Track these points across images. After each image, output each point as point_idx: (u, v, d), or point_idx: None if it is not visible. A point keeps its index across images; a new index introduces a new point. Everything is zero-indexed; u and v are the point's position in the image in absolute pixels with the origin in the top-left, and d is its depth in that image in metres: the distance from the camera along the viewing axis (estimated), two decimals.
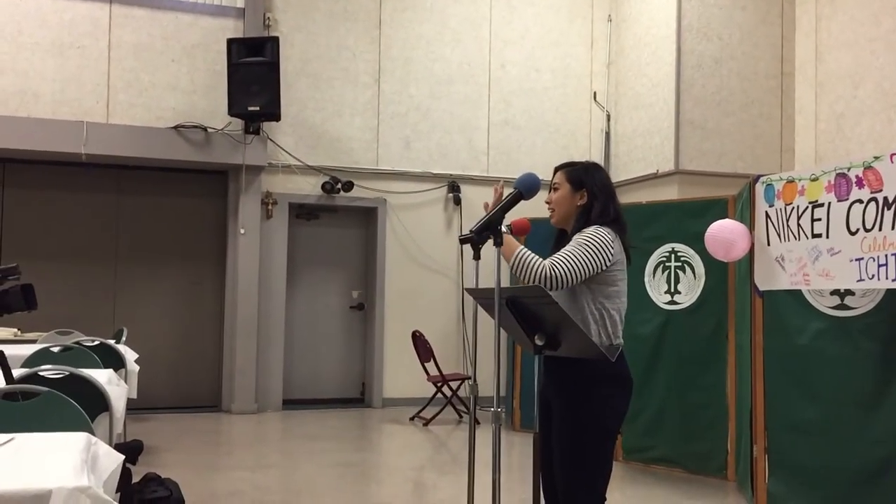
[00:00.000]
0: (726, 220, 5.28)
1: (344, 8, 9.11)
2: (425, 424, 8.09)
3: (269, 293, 8.78)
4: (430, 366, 8.27)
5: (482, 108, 9.57)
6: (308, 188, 8.97)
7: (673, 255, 6.03)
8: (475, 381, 3.18)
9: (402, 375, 9.06)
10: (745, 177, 6.11)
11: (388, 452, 7.23)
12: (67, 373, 3.66)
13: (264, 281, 8.73)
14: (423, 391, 8.54)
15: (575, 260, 2.87)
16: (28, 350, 5.20)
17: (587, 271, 2.88)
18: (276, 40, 8.31)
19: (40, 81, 8.08)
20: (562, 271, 2.86)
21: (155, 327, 8.63)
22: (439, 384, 8.29)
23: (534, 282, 2.85)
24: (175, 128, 8.31)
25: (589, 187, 3.08)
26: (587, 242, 2.91)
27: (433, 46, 9.42)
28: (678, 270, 6.01)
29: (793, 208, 4.65)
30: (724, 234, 5.05)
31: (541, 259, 2.89)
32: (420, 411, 8.33)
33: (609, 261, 2.91)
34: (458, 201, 9.36)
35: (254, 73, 8.14)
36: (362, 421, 8.49)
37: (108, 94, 8.28)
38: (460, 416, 8.43)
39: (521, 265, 2.87)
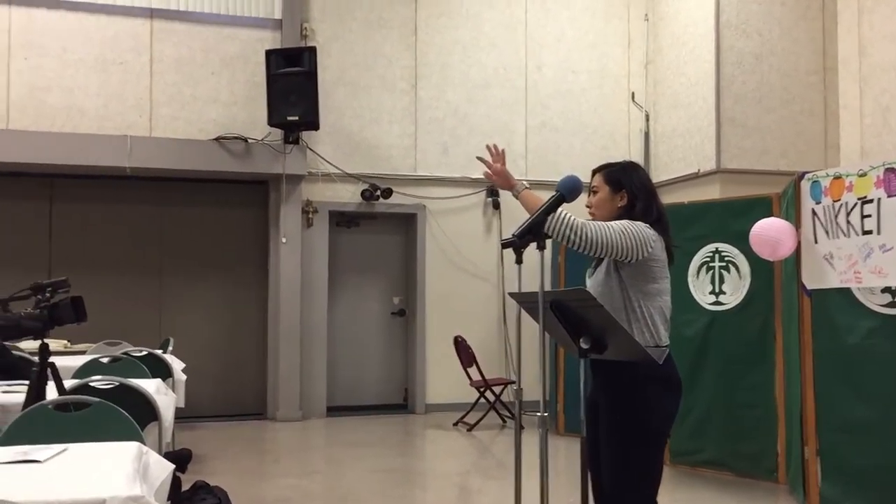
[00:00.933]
0: (771, 218, 5.19)
1: (380, 16, 9.16)
2: (469, 430, 8.07)
3: (311, 301, 8.84)
4: (473, 371, 8.26)
5: (519, 111, 9.55)
6: (347, 196, 9.03)
7: (717, 255, 5.95)
8: (519, 385, 3.16)
9: (444, 381, 9.06)
10: (789, 174, 6.00)
11: (433, 458, 7.23)
12: (117, 383, 3.72)
13: (306, 289, 8.80)
14: (465, 396, 8.53)
15: (609, 230, 2.83)
16: (78, 361, 5.30)
17: (617, 248, 2.82)
18: (313, 50, 8.39)
19: (85, 97, 8.25)
20: (594, 231, 2.80)
21: (200, 336, 8.74)
22: (482, 389, 8.27)
23: (560, 231, 2.78)
24: (216, 139, 8.43)
25: (628, 187, 3.04)
26: (629, 225, 2.88)
27: (469, 51, 9.42)
28: (722, 270, 5.92)
29: (841, 205, 4.56)
30: (770, 233, 4.97)
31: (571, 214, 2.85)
32: (463, 416, 8.32)
33: (645, 253, 2.86)
34: (496, 206, 9.35)
35: (292, 83, 8.22)
36: (406, 427, 8.50)
37: (150, 108, 8.43)
38: (504, 421, 8.40)
39: (549, 215, 2.79)
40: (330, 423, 8.62)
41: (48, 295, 3.42)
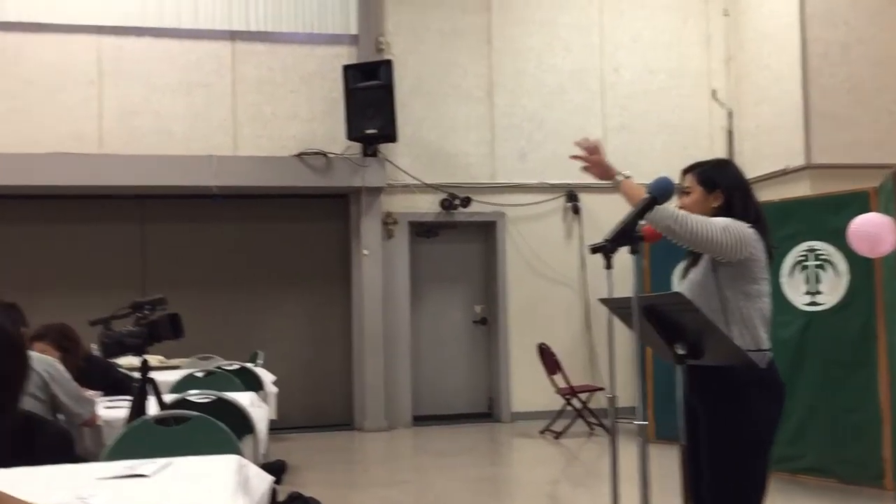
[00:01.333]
0: (870, 213, 4.98)
1: (454, 27, 9.19)
2: (556, 437, 7.98)
3: (393, 311, 8.91)
4: (558, 378, 8.17)
5: (597, 114, 9.43)
6: (426, 206, 9.07)
7: (811, 254, 5.73)
8: (613, 392, 3.11)
9: (529, 389, 8.99)
10: (884, 167, 5.74)
11: (521, 466, 7.18)
12: (214, 397, 3.81)
13: (388, 300, 8.87)
14: (551, 404, 8.44)
15: (712, 225, 2.75)
16: (174, 376, 5.46)
17: (718, 245, 2.74)
18: (389, 63, 8.47)
19: (172, 120, 8.52)
20: (697, 224, 2.73)
21: (286, 349, 8.89)
22: (568, 396, 8.18)
23: (661, 222, 2.71)
24: (297, 155, 8.58)
25: (723, 186, 2.95)
26: (731, 223, 2.79)
27: (544, 57, 9.36)
28: (818, 269, 5.70)
29: None
30: (868, 229, 4.77)
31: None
32: (550, 424, 8.24)
33: (745, 253, 2.77)
34: (576, 210, 9.24)
35: (369, 96, 8.31)
36: (492, 435, 8.47)
37: (234, 128, 8.65)
38: (591, 429, 8.27)
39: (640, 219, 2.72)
40: (416, 432, 8.66)
41: (147, 313, 3.53)
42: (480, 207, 9.12)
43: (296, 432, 8.57)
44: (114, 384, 4.75)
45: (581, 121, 9.36)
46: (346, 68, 8.48)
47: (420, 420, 9.00)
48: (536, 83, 9.33)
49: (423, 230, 9.31)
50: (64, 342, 4.24)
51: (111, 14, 8.37)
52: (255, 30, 8.69)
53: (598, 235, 2.70)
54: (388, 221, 8.96)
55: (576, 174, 10.21)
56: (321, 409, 9.03)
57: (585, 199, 9.14)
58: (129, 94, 8.45)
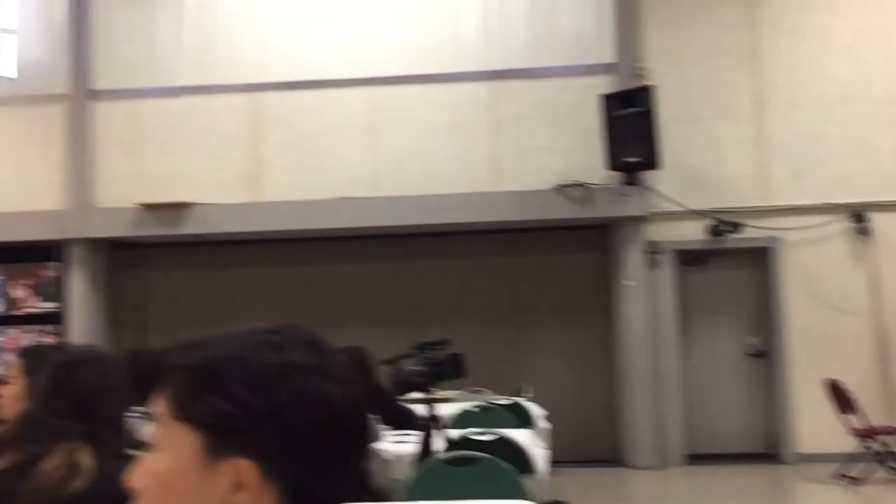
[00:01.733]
0: None
1: (716, 44, 8.77)
2: (852, 483, 7.20)
3: (660, 343, 8.58)
4: (852, 417, 7.38)
5: (885, 125, 8.51)
6: (692, 233, 8.67)
7: None
8: None
9: (816, 428, 8.20)
10: None
11: None
12: (497, 436, 3.84)
13: (654, 331, 8.56)
14: (842, 445, 7.64)
15: None
16: (448, 409, 5.61)
17: None
18: (649, 89, 8.25)
19: (438, 160, 8.90)
20: None
21: (548, 382, 8.81)
22: (866, 438, 7.36)
23: None
24: (556, 188, 8.59)
25: None
26: None
27: (821, 66, 8.63)
28: None
29: None
30: None
31: None
32: (844, 468, 7.45)
33: None
34: (864, 231, 8.37)
35: (629, 124, 8.15)
36: (774, 478, 7.85)
37: (495, 164, 8.86)
38: (894, 476, 7.38)
39: None
40: (689, 471, 8.23)
41: (432, 352, 3.64)
42: (752, 232, 8.56)
43: (562, 467, 8.48)
44: (397, 417, 4.95)
45: (866, 133, 8.52)
46: (604, 97, 8.38)
47: (693, 458, 8.53)
48: (813, 95, 8.62)
49: (689, 258, 8.90)
50: (355, 366, 4.48)
51: (381, 66, 8.94)
52: (513, 67, 8.88)
53: (894, 258, 2.38)
54: (652, 250, 8.68)
55: (864, 192, 9.29)
56: (587, 443, 8.85)
57: (878, 219, 8.26)
58: (399, 139, 8.96)
